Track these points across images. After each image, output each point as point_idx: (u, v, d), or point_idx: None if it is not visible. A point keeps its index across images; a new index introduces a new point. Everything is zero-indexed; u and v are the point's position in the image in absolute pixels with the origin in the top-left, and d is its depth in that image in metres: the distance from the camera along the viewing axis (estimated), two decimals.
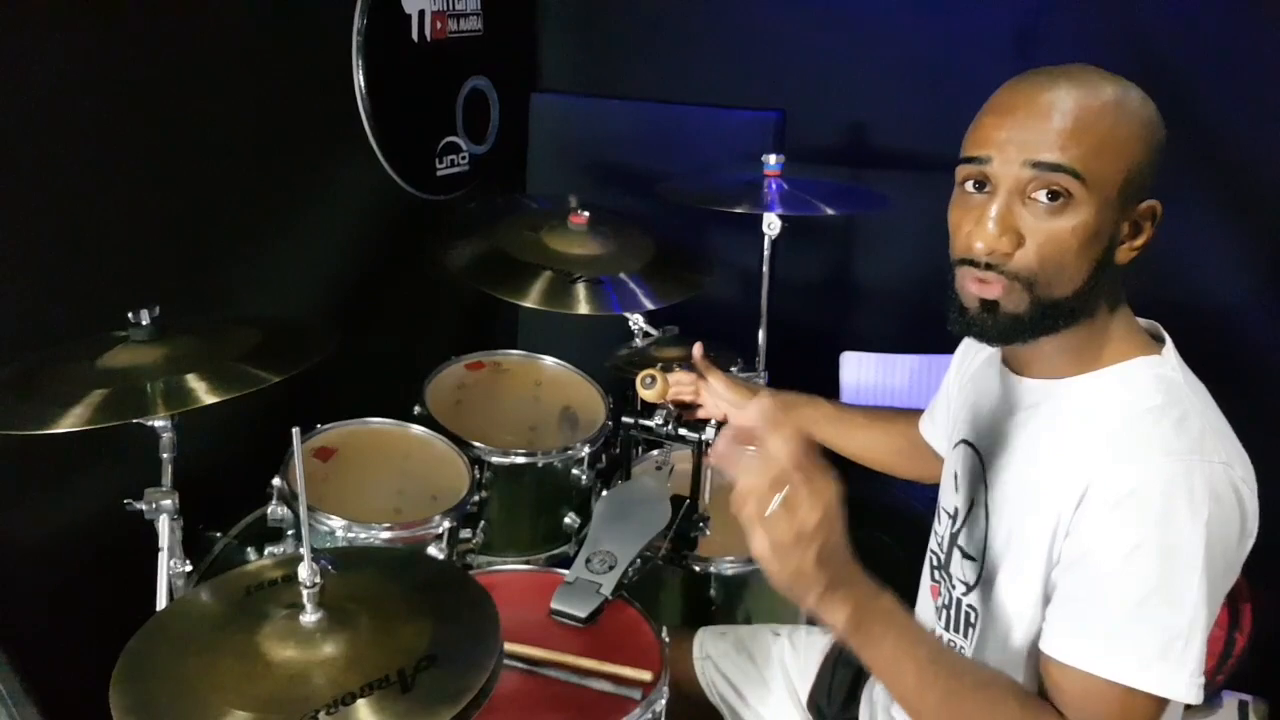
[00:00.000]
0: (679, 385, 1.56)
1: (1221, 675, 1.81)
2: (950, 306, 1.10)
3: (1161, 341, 1.14)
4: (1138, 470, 1.01)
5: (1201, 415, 1.05)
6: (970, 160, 1.07)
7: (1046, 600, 1.09)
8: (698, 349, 1.59)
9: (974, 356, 1.34)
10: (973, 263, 1.06)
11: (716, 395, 1.56)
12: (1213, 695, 1.84)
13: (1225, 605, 1.78)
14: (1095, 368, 1.11)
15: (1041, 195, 1.03)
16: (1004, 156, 1.03)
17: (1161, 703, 1.00)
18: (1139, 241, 1.08)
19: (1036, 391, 1.15)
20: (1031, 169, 1.02)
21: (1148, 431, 1.03)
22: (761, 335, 2.18)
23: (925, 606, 1.33)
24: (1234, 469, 1.02)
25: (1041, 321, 1.06)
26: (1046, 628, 1.07)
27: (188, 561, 1.44)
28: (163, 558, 1.40)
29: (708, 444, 1.64)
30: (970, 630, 1.21)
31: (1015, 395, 1.18)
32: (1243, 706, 1.86)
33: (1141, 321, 1.16)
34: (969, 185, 1.08)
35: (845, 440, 1.61)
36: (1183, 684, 0.99)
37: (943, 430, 1.44)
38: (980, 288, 1.06)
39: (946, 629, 1.26)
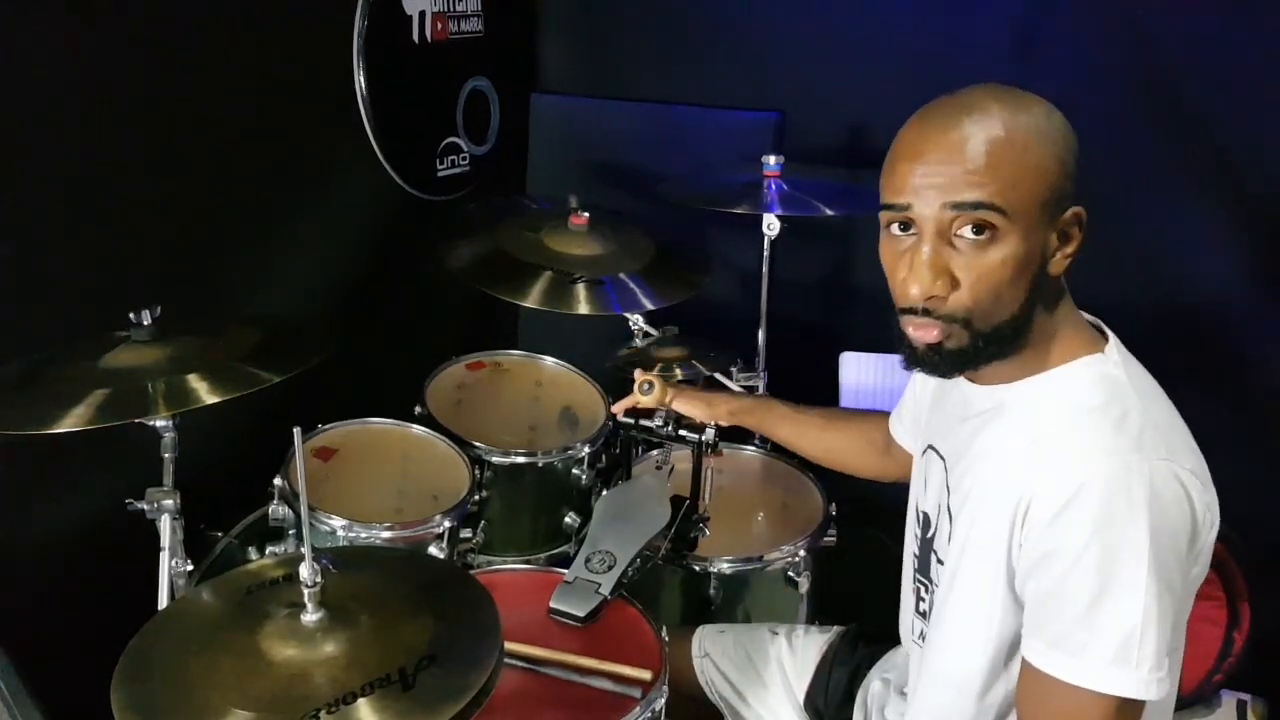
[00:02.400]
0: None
1: (1220, 675, 1.81)
2: (901, 348, 1.13)
3: (1106, 338, 1.14)
4: (1076, 475, 1.01)
5: (1143, 412, 1.05)
6: (890, 207, 1.08)
7: (1002, 609, 1.10)
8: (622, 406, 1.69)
9: None
10: (912, 310, 1.08)
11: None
12: (1211, 695, 1.84)
13: (1224, 605, 1.78)
14: (1041, 370, 1.12)
15: (967, 231, 1.03)
16: (923, 200, 1.04)
17: (1127, 703, 1.01)
18: (1070, 249, 1.08)
19: (986, 398, 1.16)
20: (953, 210, 1.03)
21: (1086, 435, 1.05)
22: (761, 335, 2.18)
23: (908, 610, 1.33)
24: (1177, 461, 1.02)
25: (986, 349, 1.08)
26: (1023, 631, 1.08)
27: (189, 561, 1.44)
28: (164, 557, 1.40)
29: (708, 444, 1.64)
30: None
31: (969, 401, 1.19)
32: (1241, 706, 1.86)
33: (1086, 316, 1.16)
34: (894, 228, 1.09)
35: (801, 440, 1.66)
36: (1139, 683, 0.99)
37: (909, 430, 1.45)
38: (923, 333, 1.08)
39: (926, 630, 1.27)
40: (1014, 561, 1.08)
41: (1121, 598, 0.99)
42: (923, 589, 1.28)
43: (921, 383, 1.40)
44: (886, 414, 1.55)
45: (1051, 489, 1.03)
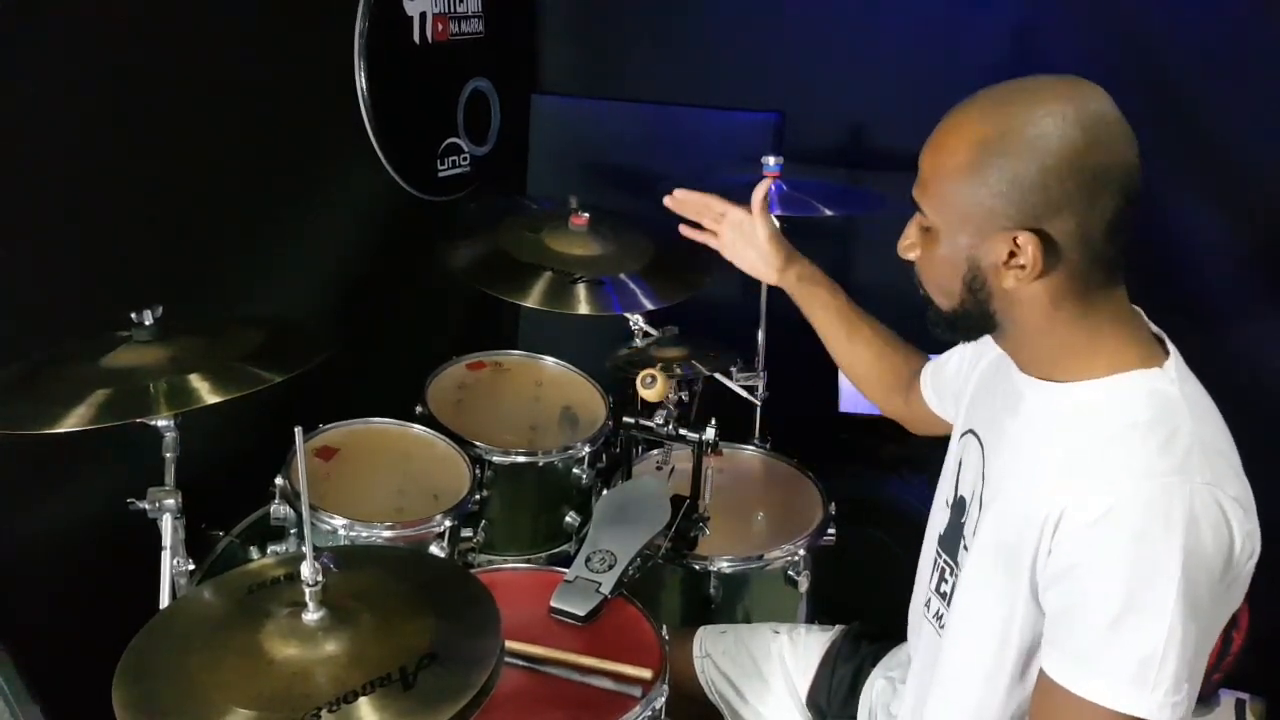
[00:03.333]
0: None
1: (1219, 674, 1.81)
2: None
3: (1167, 354, 1.12)
4: (1115, 492, 1.01)
5: (1192, 433, 1.04)
6: None
7: (1023, 614, 1.10)
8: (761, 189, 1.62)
9: (991, 346, 1.31)
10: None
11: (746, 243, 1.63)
12: (1210, 694, 1.84)
13: None
14: (1090, 376, 1.10)
15: (920, 221, 1.14)
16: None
17: None
18: (1026, 268, 1.05)
19: (1034, 392, 1.15)
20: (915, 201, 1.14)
21: (1129, 451, 1.04)
22: (761, 335, 2.18)
23: (925, 586, 1.33)
24: (1221, 488, 1.01)
25: (953, 325, 1.17)
26: (1043, 640, 1.08)
27: (190, 560, 1.44)
28: (166, 556, 1.40)
29: (708, 444, 1.64)
30: None
31: (1016, 391, 1.18)
32: (1240, 705, 1.86)
33: (1153, 328, 1.15)
34: None
35: (837, 340, 1.60)
36: (1155, 705, 0.99)
37: (939, 396, 1.46)
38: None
39: (943, 610, 1.27)
40: (1038, 571, 1.08)
41: (1146, 618, 0.98)
42: (947, 570, 1.27)
43: (971, 361, 1.37)
44: (922, 358, 1.54)
45: (1086, 503, 1.02)
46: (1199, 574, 0.99)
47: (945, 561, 1.28)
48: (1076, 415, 1.10)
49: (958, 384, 1.40)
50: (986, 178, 1.04)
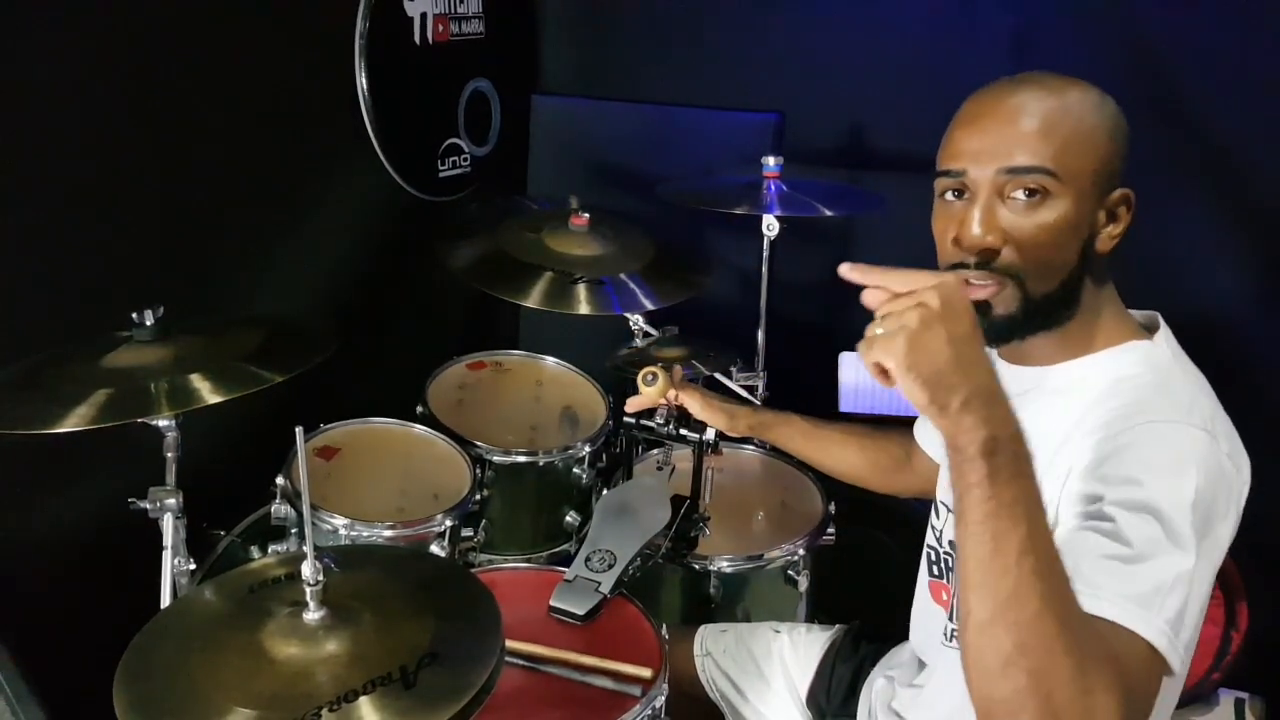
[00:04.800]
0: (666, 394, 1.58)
1: (1218, 673, 1.82)
2: None
3: (1155, 329, 1.15)
4: (1125, 434, 1.02)
5: (1192, 393, 1.07)
6: (946, 173, 1.11)
7: None
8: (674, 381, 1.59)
9: None
10: (963, 265, 1.09)
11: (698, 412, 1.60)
12: (1209, 693, 1.85)
13: (1221, 604, 1.79)
14: (1086, 353, 1.13)
15: (1020, 194, 1.07)
16: (978, 165, 1.08)
17: (1152, 652, 0.93)
18: (1117, 229, 1.11)
19: (1028, 379, 1.16)
20: (1007, 174, 1.07)
21: (1135, 399, 1.05)
22: (761, 336, 2.19)
23: (924, 605, 1.33)
24: (1220, 442, 1.03)
25: (1034, 319, 1.10)
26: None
27: (191, 560, 1.44)
28: (167, 556, 1.40)
29: (708, 444, 1.64)
30: None
31: (1007, 384, 1.18)
32: (1239, 704, 1.86)
33: (1138, 314, 1.18)
34: (948, 195, 1.12)
35: (821, 455, 1.65)
36: (1154, 629, 0.92)
37: (934, 433, 1.44)
38: (972, 290, 1.07)
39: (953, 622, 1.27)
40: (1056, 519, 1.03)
41: (1160, 551, 0.94)
42: (946, 580, 1.27)
43: None
44: (907, 428, 1.55)
45: (1098, 447, 1.02)
46: (1206, 510, 0.97)
47: (946, 572, 1.28)
48: (1076, 388, 1.11)
49: None
50: (1113, 132, 1.09)
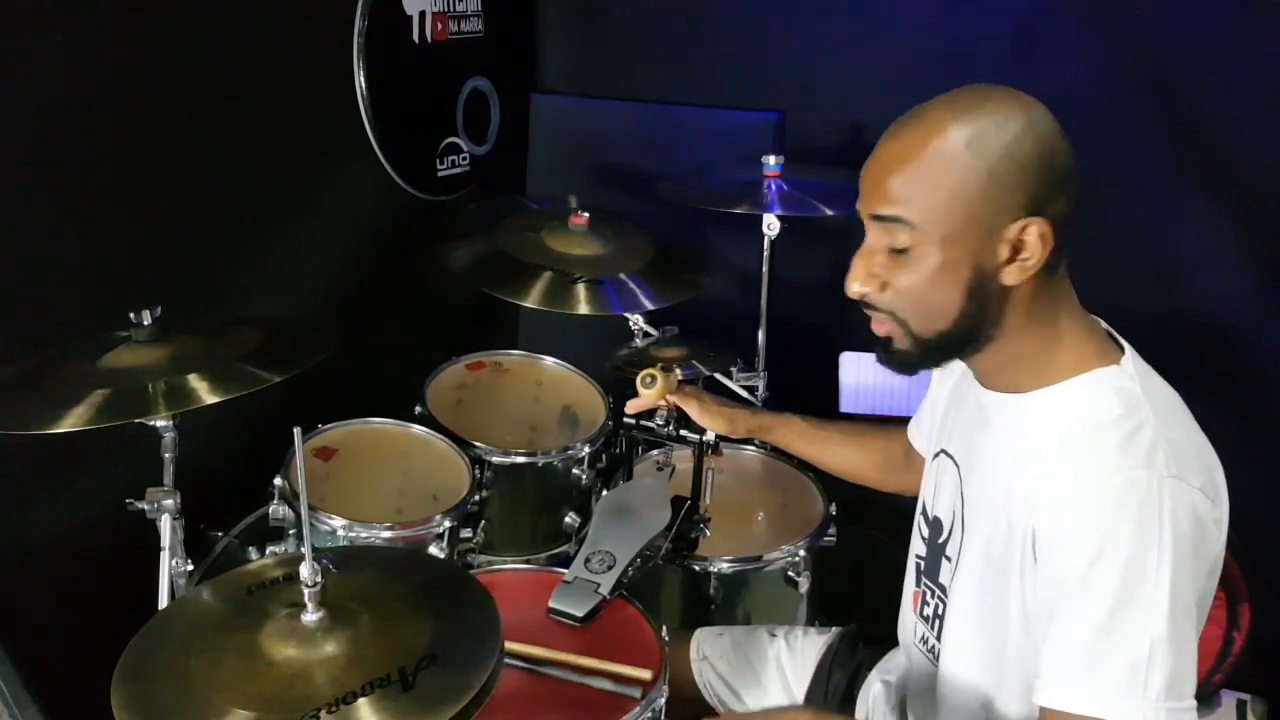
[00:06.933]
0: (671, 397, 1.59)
1: (1219, 675, 1.82)
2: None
3: (1121, 349, 1.13)
4: (1086, 495, 1.01)
5: (1156, 427, 1.04)
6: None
7: (1017, 622, 1.09)
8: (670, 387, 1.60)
9: (956, 365, 1.34)
10: (859, 302, 1.12)
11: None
12: (1211, 694, 1.84)
13: (1223, 605, 1.78)
14: (1052, 381, 1.10)
15: (887, 243, 1.07)
16: (861, 206, 1.10)
17: None
18: (1031, 261, 1.04)
19: (999, 406, 1.16)
20: (873, 220, 1.08)
21: (1097, 452, 1.03)
22: (761, 335, 2.18)
23: (906, 615, 1.33)
24: (1187, 480, 1.01)
25: (933, 354, 1.11)
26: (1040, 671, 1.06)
27: (189, 561, 1.44)
28: (164, 557, 1.40)
29: (708, 444, 1.64)
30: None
31: (983, 408, 1.19)
32: (1241, 706, 1.86)
33: (1102, 325, 1.15)
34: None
35: (823, 456, 1.65)
36: (1148, 713, 0.96)
37: (926, 435, 1.44)
38: (874, 325, 1.12)
39: (930, 637, 1.27)
40: (1026, 586, 1.07)
41: (1130, 623, 0.97)
42: (928, 593, 1.27)
43: (938, 385, 1.39)
44: (905, 427, 1.55)
45: (1057, 514, 1.03)
46: (1180, 568, 0.98)
47: (927, 585, 1.28)
48: (1044, 425, 1.09)
49: (932, 414, 1.40)
50: (1000, 166, 1.02)
